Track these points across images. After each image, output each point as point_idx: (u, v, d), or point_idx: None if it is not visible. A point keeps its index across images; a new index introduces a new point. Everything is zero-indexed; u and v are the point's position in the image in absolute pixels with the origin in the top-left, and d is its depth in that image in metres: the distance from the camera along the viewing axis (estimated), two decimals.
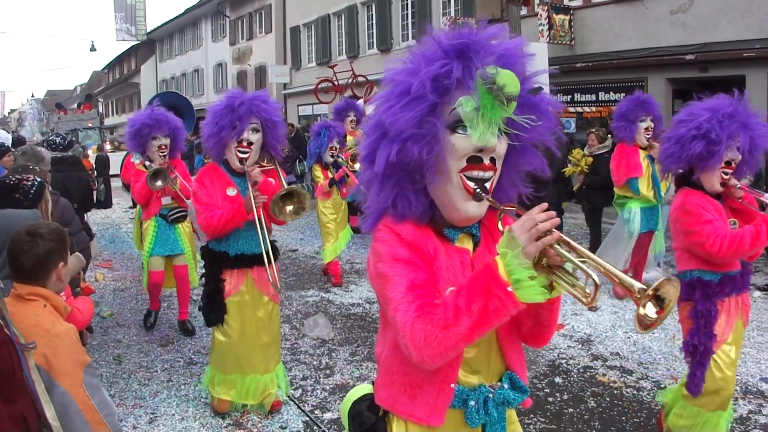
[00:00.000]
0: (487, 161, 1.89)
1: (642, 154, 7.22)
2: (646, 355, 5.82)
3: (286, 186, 4.49)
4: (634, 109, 7.25)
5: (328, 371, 5.65)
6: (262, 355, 4.66)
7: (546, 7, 16.02)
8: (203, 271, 4.75)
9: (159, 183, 6.32)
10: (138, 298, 8.18)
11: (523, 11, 15.27)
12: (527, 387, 2.10)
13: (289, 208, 4.43)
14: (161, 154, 6.43)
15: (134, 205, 10.09)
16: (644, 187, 7.20)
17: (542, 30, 15.94)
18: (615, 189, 7.56)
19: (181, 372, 5.72)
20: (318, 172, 8.39)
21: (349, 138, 9.68)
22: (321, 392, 5.24)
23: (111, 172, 12.84)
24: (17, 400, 2.39)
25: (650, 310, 1.86)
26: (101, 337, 6.64)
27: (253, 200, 4.27)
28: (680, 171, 3.94)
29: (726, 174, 3.70)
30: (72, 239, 4.40)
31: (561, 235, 1.69)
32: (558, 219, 1.69)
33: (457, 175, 1.89)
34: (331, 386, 5.35)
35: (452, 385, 1.96)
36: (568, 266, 1.74)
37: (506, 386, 2.04)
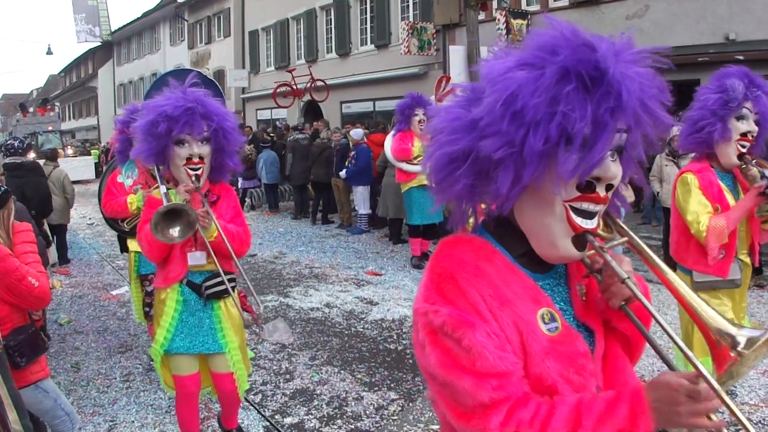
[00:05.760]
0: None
1: None
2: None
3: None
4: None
5: (288, 376, 5.66)
6: None
7: (504, 12, 16.19)
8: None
9: (176, 233, 3.52)
10: (96, 305, 8.11)
11: (481, 16, 15.40)
12: None
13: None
14: (192, 170, 3.59)
15: (123, 248, 6.45)
16: None
17: (500, 34, 16.11)
18: None
19: (140, 379, 5.68)
20: None
21: (416, 143, 8.84)
22: (281, 397, 5.25)
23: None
24: None
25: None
26: (59, 345, 6.57)
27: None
28: None
29: None
30: None
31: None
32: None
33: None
34: (291, 391, 5.36)
35: None
36: None
37: None
